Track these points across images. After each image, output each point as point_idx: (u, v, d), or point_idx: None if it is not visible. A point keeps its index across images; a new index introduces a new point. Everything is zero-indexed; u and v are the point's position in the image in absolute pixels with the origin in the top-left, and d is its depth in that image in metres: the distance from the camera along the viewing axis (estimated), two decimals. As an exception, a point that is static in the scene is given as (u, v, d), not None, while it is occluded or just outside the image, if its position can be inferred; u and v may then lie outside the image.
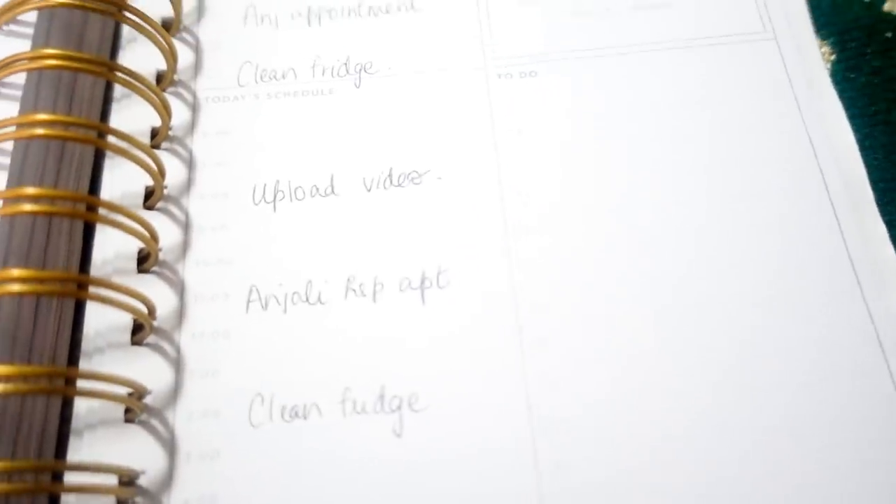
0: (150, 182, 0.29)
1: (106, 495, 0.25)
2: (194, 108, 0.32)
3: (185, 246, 0.29)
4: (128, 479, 0.25)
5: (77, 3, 0.28)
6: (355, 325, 0.28)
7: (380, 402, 0.27)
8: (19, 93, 0.30)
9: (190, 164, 0.31)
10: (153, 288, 0.28)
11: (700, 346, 0.27)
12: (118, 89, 0.31)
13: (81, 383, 0.25)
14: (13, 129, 0.26)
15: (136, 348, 0.27)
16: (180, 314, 0.28)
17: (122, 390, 0.26)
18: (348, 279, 0.29)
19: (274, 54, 0.33)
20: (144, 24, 0.29)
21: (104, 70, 0.28)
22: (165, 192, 0.30)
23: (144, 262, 0.28)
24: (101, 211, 0.27)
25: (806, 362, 0.27)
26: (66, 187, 0.28)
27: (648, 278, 0.28)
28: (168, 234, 0.29)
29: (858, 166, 0.30)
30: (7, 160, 0.29)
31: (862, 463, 0.25)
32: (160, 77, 0.32)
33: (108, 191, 0.29)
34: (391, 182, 0.30)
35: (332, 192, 0.30)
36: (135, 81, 0.28)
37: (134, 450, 0.26)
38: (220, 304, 0.28)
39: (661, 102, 0.31)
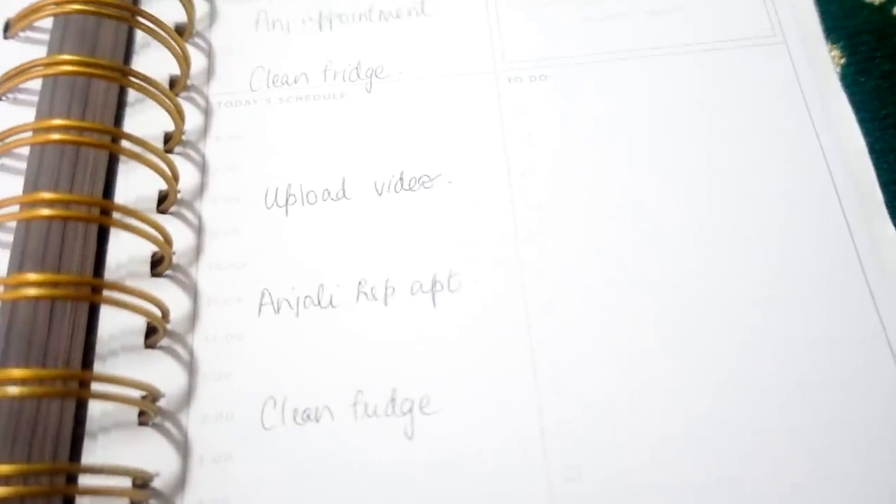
0: (163, 186, 0.29)
1: (120, 497, 0.25)
2: (207, 112, 0.32)
3: (198, 250, 0.29)
4: (141, 482, 0.25)
5: (92, 9, 0.28)
6: (367, 328, 0.28)
7: (391, 405, 0.27)
8: (35, 98, 0.30)
9: (203, 168, 0.31)
10: (167, 291, 0.28)
11: (711, 350, 0.27)
12: (132, 94, 0.31)
13: (95, 386, 0.25)
14: (29, 134, 0.26)
15: (150, 351, 0.27)
16: (193, 317, 0.28)
17: (136, 393, 0.26)
18: (360, 283, 0.29)
19: (285, 59, 0.33)
20: (158, 30, 0.29)
21: (119, 75, 0.28)
22: (179, 196, 0.30)
23: (158, 265, 0.29)
24: (116, 215, 0.27)
25: (816, 364, 0.27)
26: (81, 191, 0.29)
27: (661, 282, 0.28)
28: (181, 237, 0.29)
29: (868, 169, 0.30)
30: (23, 165, 0.29)
31: (872, 465, 0.25)
32: (173, 82, 0.32)
33: (122, 195, 0.30)
34: (402, 186, 0.31)
35: (344, 195, 0.30)
36: (149, 86, 0.28)
37: (147, 452, 0.26)
38: (233, 308, 0.29)
39: (670, 106, 0.31)
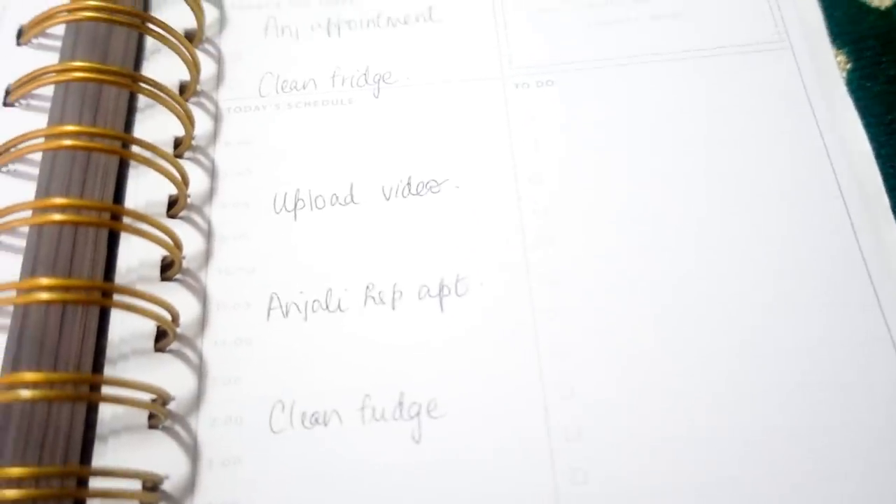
0: (173, 191, 0.30)
1: (130, 500, 0.25)
2: (216, 118, 0.32)
3: (207, 254, 0.30)
4: (151, 485, 0.26)
5: (104, 16, 0.28)
6: (375, 332, 0.28)
7: (399, 409, 0.27)
8: (48, 104, 0.31)
9: (212, 173, 0.31)
10: (176, 295, 0.28)
11: (718, 354, 0.27)
12: (142, 100, 0.32)
13: (106, 389, 0.25)
14: (41, 140, 0.27)
15: (160, 355, 0.28)
16: (203, 322, 0.29)
17: (146, 396, 0.26)
18: (367, 287, 0.29)
19: (294, 65, 0.33)
20: (168, 36, 0.30)
21: (129, 81, 0.28)
22: (188, 201, 0.30)
23: (168, 270, 0.29)
24: (126, 220, 0.27)
25: (821, 367, 0.27)
26: (92, 197, 0.29)
27: (670, 287, 0.28)
28: (191, 242, 0.30)
29: (874, 174, 0.30)
30: (35, 170, 0.30)
31: (876, 466, 0.26)
32: (183, 88, 0.32)
33: (132, 200, 0.30)
34: (410, 191, 0.31)
35: (352, 200, 0.31)
36: (159, 92, 0.29)
37: (157, 455, 0.26)
38: (242, 312, 0.29)
39: (677, 112, 0.32)
